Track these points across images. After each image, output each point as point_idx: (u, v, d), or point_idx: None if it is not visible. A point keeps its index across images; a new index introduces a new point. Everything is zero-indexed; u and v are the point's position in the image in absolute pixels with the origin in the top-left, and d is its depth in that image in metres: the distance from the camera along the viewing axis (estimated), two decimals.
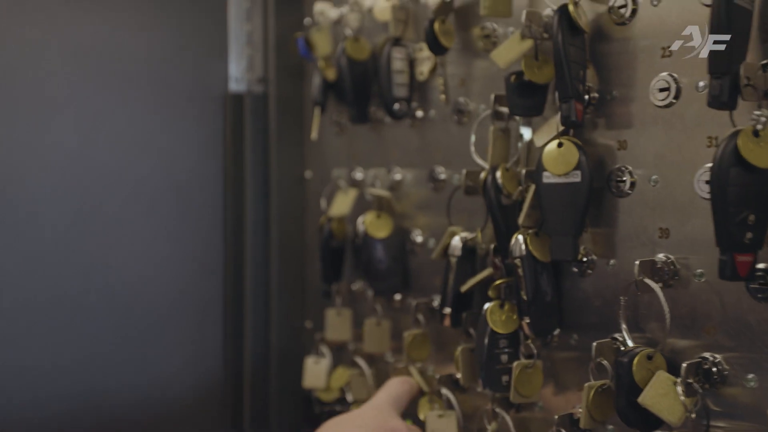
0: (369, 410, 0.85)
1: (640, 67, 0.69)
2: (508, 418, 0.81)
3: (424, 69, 0.91)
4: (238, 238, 1.13)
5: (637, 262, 0.66)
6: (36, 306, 1.00)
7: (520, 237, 0.74)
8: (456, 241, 0.83)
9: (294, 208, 1.13)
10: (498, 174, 0.77)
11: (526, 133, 0.78)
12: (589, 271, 0.74)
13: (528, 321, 0.74)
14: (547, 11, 0.73)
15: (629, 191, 0.70)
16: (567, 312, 0.76)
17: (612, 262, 0.72)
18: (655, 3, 0.68)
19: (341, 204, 1.01)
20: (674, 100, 0.66)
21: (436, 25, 0.83)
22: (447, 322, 0.83)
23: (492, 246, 0.80)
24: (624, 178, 0.70)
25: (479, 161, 0.81)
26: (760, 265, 0.61)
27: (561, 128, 0.71)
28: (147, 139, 1.08)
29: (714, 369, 0.65)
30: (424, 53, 0.90)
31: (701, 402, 0.64)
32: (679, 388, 0.63)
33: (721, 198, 0.58)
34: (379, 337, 0.97)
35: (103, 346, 1.04)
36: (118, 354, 1.05)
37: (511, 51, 0.75)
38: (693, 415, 0.63)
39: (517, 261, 0.74)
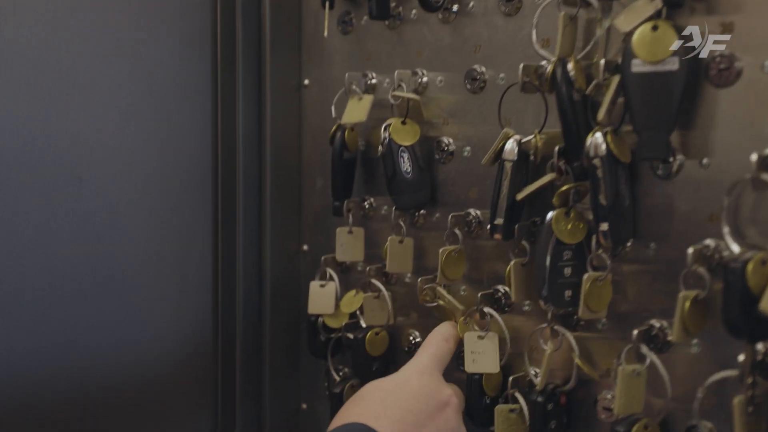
0: (415, 376, 0.76)
1: None
2: (570, 337, 0.74)
3: None
4: (229, 153, 1.00)
5: (754, 156, 0.59)
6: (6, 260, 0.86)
7: (599, 135, 0.66)
8: (511, 144, 0.74)
9: (290, 120, 1.02)
10: (569, 66, 0.69)
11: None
12: (676, 173, 0.67)
13: (606, 228, 0.67)
14: None
15: (734, 80, 0.63)
16: (643, 220, 0.70)
17: (705, 161, 0.65)
18: None
19: (355, 111, 0.90)
20: None
21: None
22: (498, 235, 0.76)
23: (556, 148, 0.72)
24: (728, 66, 0.63)
25: (543, 53, 0.72)
26: None
27: (658, 6, 0.63)
28: (120, 37, 0.93)
29: None
30: None
31: None
32: None
33: None
34: (402, 256, 0.89)
35: (83, 278, 0.91)
36: (98, 289, 0.93)
37: None
38: None
39: (596, 161, 0.66)
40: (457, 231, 0.82)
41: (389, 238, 0.88)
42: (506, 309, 0.81)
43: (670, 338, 0.69)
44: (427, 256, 0.89)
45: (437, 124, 0.86)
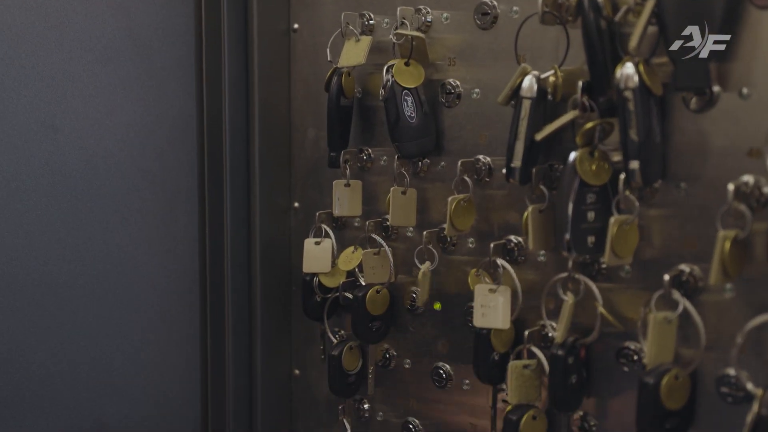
0: None
1: None
2: (593, 286, 0.70)
3: None
4: (214, 103, 0.94)
5: None
6: None
7: (631, 65, 0.62)
8: (529, 81, 0.69)
9: (279, 67, 0.95)
10: None
11: None
12: (711, 106, 0.62)
13: (636, 166, 0.63)
14: None
15: None
16: (673, 159, 0.65)
17: (745, 91, 0.61)
18: None
19: (353, 53, 0.84)
20: None
21: None
22: (516, 178, 0.71)
23: (580, 83, 0.67)
24: None
25: None
26: None
27: None
28: None
29: None
30: None
31: None
32: None
33: None
34: (406, 208, 0.83)
35: (60, 237, 0.85)
36: (76, 249, 0.86)
37: None
38: None
39: (627, 94, 0.62)
40: (466, 178, 0.77)
41: (392, 188, 0.83)
42: (519, 260, 0.77)
43: (701, 284, 0.65)
44: (430, 209, 0.84)
45: (442, 66, 0.81)
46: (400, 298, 0.87)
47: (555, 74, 0.69)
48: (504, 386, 0.77)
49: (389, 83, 0.80)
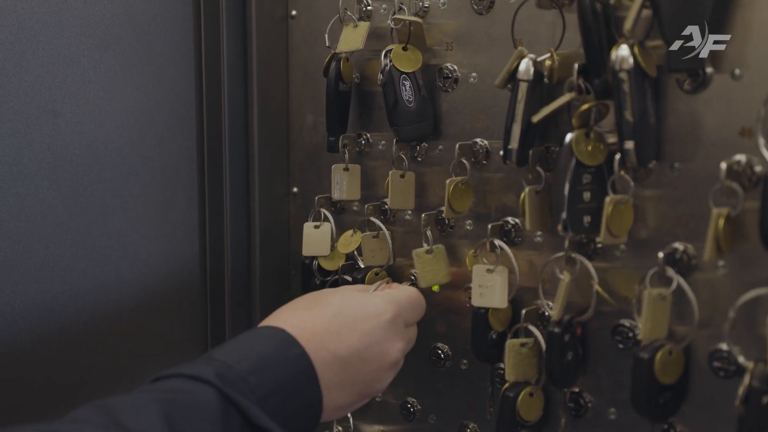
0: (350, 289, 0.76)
1: None
2: (589, 264, 0.71)
3: None
4: (213, 89, 0.94)
5: None
6: None
7: (625, 47, 0.63)
8: (526, 64, 0.71)
9: (277, 53, 0.96)
10: None
11: None
12: (704, 87, 0.64)
13: (631, 146, 0.64)
14: None
15: None
16: (667, 140, 0.67)
17: (737, 72, 0.62)
18: None
19: (351, 39, 0.86)
20: None
21: None
22: (513, 159, 0.72)
23: (575, 65, 0.68)
24: None
25: None
26: None
27: None
28: None
29: None
30: None
31: None
32: None
33: None
34: (404, 191, 0.85)
35: (61, 220, 0.85)
36: (78, 233, 0.87)
37: None
38: None
39: (622, 75, 0.63)
40: (464, 161, 0.79)
41: (390, 172, 0.84)
42: (516, 241, 0.78)
43: (694, 262, 0.66)
44: (428, 192, 0.85)
45: (439, 51, 0.82)
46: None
47: (551, 57, 0.70)
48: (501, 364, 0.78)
49: (387, 68, 0.81)
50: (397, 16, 0.81)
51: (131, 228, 0.91)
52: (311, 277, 0.92)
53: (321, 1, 0.92)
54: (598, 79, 0.67)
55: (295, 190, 0.98)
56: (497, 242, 0.77)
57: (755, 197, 0.61)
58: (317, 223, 0.92)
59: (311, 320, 0.67)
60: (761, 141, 0.60)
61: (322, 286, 0.92)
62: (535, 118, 0.70)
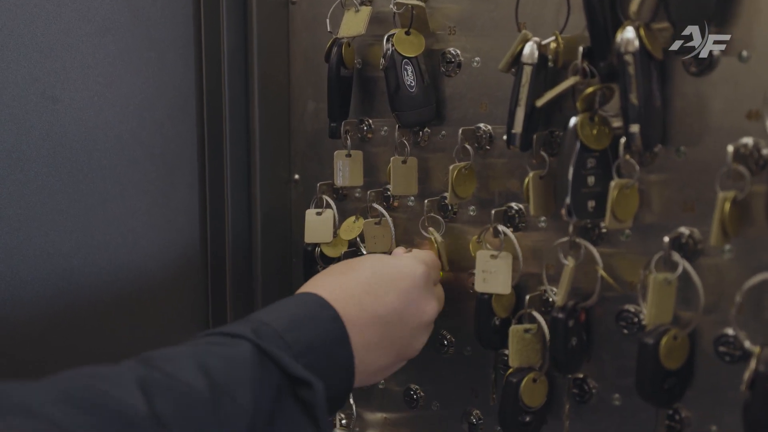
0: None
1: None
2: (593, 250, 0.71)
3: None
4: (213, 74, 0.94)
5: None
6: None
7: (631, 29, 0.62)
8: (530, 47, 0.70)
9: (278, 39, 0.95)
10: None
11: None
12: (711, 69, 0.63)
13: (636, 130, 0.63)
14: None
15: None
16: (673, 123, 0.66)
17: (745, 54, 0.62)
18: None
19: (353, 23, 0.85)
20: None
21: None
22: (516, 144, 0.71)
23: (580, 48, 0.68)
24: None
25: None
26: None
27: None
28: None
29: None
30: None
31: None
32: None
33: None
34: (407, 177, 0.84)
35: (61, 207, 0.85)
36: (77, 220, 0.86)
37: None
38: None
39: (628, 57, 0.62)
40: (467, 146, 0.78)
41: (392, 158, 0.83)
42: (520, 227, 0.78)
43: (700, 246, 0.66)
44: (431, 178, 0.85)
45: (442, 35, 0.81)
46: None
47: (556, 40, 0.70)
48: (505, 351, 0.78)
49: (389, 52, 0.80)
50: (399, 0, 0.80)
51: (131, 215, 0.91)
52: (314, 264, 0.92)
53: None
54: (603, 62, 0.66)
55: (296, 176, 0.97)
56: (501, 228, 0.76)
57: (762, 180, 0.61)
58: (319, 210, 0.91)
59: (347, 283, 0.69)
60: None
61: None
62: (539, 103, 0.70)
